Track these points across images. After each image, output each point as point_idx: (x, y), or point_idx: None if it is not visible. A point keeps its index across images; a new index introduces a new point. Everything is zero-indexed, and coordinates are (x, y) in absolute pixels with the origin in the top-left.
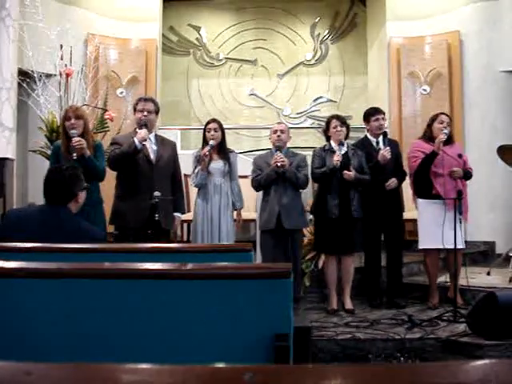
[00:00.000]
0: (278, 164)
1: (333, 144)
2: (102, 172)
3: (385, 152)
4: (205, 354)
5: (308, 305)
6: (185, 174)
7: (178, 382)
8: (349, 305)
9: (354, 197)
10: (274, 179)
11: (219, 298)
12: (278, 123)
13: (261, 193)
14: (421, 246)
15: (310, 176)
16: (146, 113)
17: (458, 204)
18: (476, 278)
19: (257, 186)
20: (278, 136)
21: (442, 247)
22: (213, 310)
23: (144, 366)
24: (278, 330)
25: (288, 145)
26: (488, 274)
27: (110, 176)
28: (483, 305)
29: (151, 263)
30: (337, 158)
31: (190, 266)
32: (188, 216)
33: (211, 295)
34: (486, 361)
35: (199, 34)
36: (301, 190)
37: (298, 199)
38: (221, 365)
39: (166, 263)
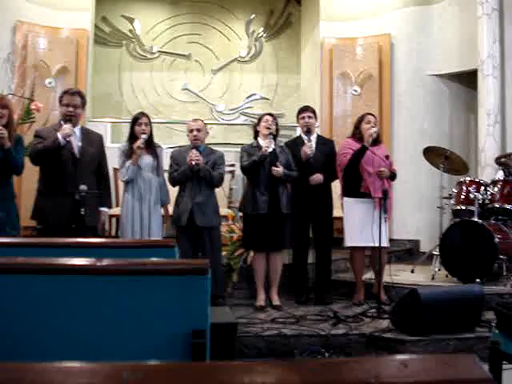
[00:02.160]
0: (193, 162)
1: (260, 141)
2: (19, 166)
3: (305, 148)
4: (120, 351)
5: (236, 301)
6: (114, 168)
7: (57, 380)
8: (276, 301)
9: (283, 193)
10: (189, 176)
11: (136, 295)
12: (194, 120)
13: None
14: (347, 244)
15: (225, 175)
16: (71, 108)
17: (384, 203)
18: (400, 275)
19: (173, 182)
20: (195, 136)
21: (367, 245)
22: (129, 307)
23: (25, 364)
24: (196, 327)
25: (221, 140)
26: (412, 271)
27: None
28: (406, 301)
29: (66, 258)
30: (266, 145)
31: (105, 261)
32: (116, 211)
33: (128, 291)
34: (370, 359)
35: (132, 26)
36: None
37: (213, 197)
38: (100, 363)
39: (81, 258)
